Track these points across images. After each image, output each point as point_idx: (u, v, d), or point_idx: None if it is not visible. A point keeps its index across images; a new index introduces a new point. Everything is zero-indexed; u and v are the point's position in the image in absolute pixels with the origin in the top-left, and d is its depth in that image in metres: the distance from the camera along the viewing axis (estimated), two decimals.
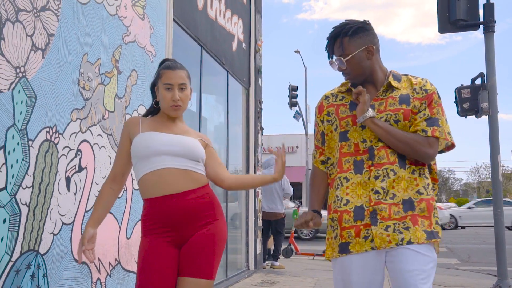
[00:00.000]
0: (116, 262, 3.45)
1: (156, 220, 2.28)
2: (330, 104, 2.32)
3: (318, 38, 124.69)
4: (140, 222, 2.39)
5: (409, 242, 2.07)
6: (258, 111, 7.97)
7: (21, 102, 2.53)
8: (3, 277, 2.39)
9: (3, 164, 2.40)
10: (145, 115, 2.55)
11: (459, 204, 34.50)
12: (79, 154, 3.04)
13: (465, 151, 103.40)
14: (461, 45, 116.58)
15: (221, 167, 2.53)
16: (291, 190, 8.46)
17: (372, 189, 2.13)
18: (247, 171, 7.48)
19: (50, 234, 2.75)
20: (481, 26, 6.69)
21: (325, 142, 2.35)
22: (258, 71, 8.09)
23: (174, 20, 4.60)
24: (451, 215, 21.69)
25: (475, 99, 6.61)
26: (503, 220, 6.33)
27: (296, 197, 31.32)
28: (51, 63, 2.78)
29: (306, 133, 28.41)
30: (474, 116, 6.60)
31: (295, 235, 12.14)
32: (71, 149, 2.96)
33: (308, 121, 28.31)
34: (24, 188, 2.54)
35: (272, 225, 8.34)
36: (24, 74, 2.56)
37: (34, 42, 2.64)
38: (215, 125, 6.60)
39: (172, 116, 2.45)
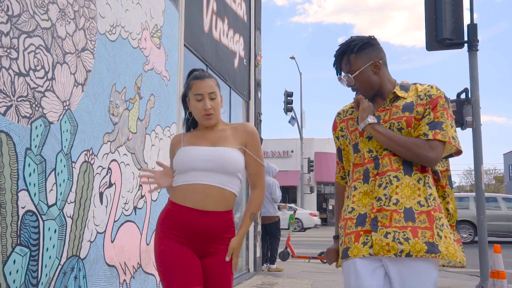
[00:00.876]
0: (138, 266, 3.91)
1: (176, 225, 2.36)
2: (342, 120, 2.39)
3: (313, 41, 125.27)
4: (158, 221, 2.46)
5: (408, 255, 2.05)
6: (258, 122, 8.45)
7: (67, 130, 3.00)
8: (54, 278, 2.86)
9: (53, 184, 2.87)
10: (187, 129, 2.62)
11: None
12: (109, 172, 3.50)
13: None
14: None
15: (252, 179, 2.58)
16: (278, 195, 8.66)
17: (376, 197, 2.14)
18: (247, 180, 7.92)
19: (87, 241, 3.21)
20: (465, 44, 7.20)
21: (342, 157, 2.41)
22: (258, 85, 8.58)
23: (184, 45, 5.08)
24: None
25: (460, 112, 7.12)
26: (485, 226, 6.84)
27: (291, 200, 31.79)
28: (88, 95, 3.25)
29: (301, 138, 28.89)
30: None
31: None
32: (103, 168, 3.42)
33: (303, 126, 28.80)
34: (69, 203, 3.01)
35: (267, 229, 8.67)
36: (68, 107, 3.03)
37: (76, 79, 3.11)
38: None
39: (206, 125, 2.48)
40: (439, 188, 2.26)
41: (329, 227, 32.85)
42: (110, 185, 3.52)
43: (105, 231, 3.43)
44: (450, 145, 2.16)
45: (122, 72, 3.72)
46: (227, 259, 2.38)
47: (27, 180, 2.63)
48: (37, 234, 2.71)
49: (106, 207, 3.46)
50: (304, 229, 24.50)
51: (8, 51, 2.52)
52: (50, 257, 2.82)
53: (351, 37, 2.30)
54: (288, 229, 13.77)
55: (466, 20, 7.17)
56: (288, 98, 24.85)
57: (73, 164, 3.07)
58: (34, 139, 2.70)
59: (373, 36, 2.29)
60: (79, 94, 3.14)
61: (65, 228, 2.97)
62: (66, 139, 3.00)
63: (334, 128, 2.43)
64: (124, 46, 3.76)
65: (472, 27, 7.22)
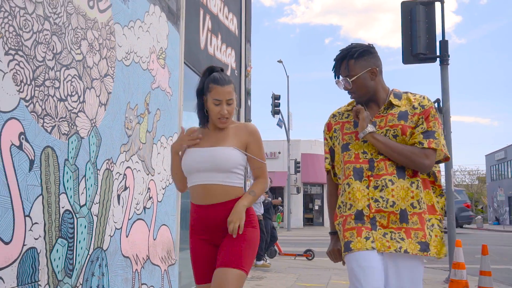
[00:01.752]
0: (147, 258, 4.54)
1: (196, 223, 2.69)
2: (337, 122, 2.52)
3: (300, 42, 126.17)
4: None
5: (406, 251, 2.22)
6: None
7: (93, 143, 3.62)
8: (84, 265, 3.48)
9: (84, 188, 3.49)
10: (201, 123, 2.77)
11: None
12: (124, 177, 4.12)
13: None
14: None
15: (255, 172, 2.72)
16: (261, 196, 9.31)
17: (372, 198, 2.27)
18: None
19: (108, 236, 3.83)
20: (438, 59, 7.90)
21: (335, 156, 2.54)
22: (248, 93, 9.22)
23: (184, 62, 5.71)
24: None
25: None
26: (454, 224, 7.59)
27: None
28: (109, 113, 3.87)
29: (288, 140, 29.54)
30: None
31: None
32: (120, 174, 4.04)
33: (290, 128, 29.45)
34: (95, 204, 3.63)
35: None
36: (95, 124, 3.64)
37: (100, 100, 3.73)
38: None
39: (220, 127, 2.66)
40: (437, 188, 2.41)
41: (315, 226, 33.61)
42: (125, 188, 4.14)
43: (121, 227, 4.05)
44: (441, 151, 2.34)
45: (135, 91, 4.35)
46: (229, 228, 2.53)
47: (65, 185, 3.25)
48: (73, 229, 3.33)
49: (123, 207, 4.08)
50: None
51: (53, 82, 3.14)
52: (81, 248, 3.43)
53: (351, 43, 2.46)
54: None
55: (439, 37, 7.89)
56: (276, 101, 25.49)
57: (98, 171, 3.69)
58: (70, 152, 3.31)
59: (372, 44, 2.46)
60: (102, 113, 3.76)
61: (92, 224, 3.59)
62: (93, 151, 3.62)
63: (329, 128, 2.55)
64: (136, 69, 4.38)
65: (444, 44, 7.94)
